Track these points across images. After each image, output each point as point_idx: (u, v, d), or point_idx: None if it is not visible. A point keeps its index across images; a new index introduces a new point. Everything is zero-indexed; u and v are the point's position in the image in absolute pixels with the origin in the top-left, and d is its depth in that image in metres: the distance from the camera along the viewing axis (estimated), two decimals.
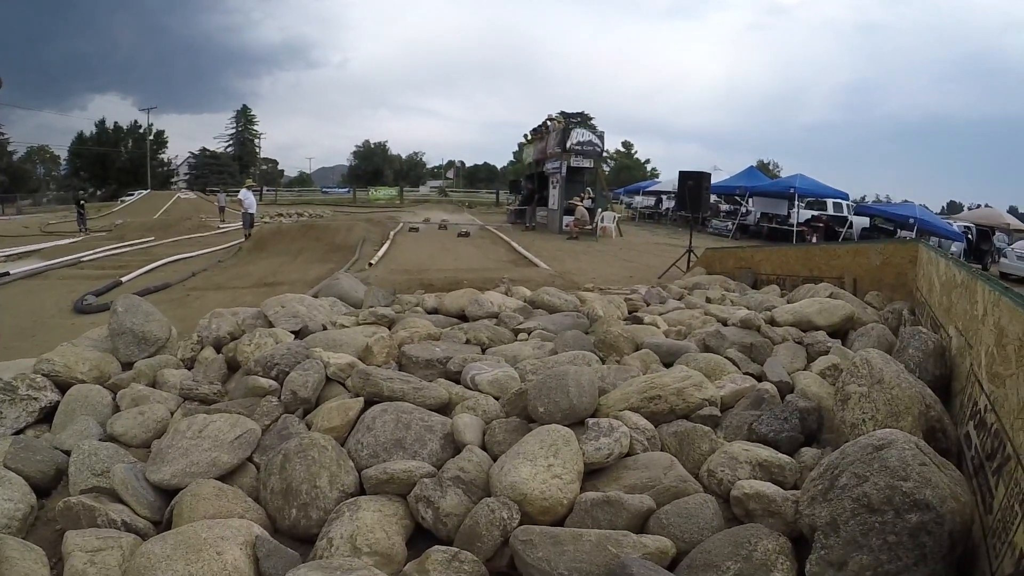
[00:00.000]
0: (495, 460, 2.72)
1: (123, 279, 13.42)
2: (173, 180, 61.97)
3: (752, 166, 30.62)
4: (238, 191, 27.12)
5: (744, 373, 3.88)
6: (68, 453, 3.33)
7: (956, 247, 19.59)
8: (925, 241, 6.35)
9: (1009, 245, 20.75)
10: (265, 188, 47.50)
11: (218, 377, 4.52)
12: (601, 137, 23.45)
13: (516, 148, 52.60)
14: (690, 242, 12.66)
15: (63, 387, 4.15)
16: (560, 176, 22.75)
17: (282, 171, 71.69)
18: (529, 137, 28.57)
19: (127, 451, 3.41)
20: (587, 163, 22.94)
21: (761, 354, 4.27)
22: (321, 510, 2.51)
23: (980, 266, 20.80)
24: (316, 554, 2.28)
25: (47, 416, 4.01)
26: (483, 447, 2.92)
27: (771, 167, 56.61)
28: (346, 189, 51.67)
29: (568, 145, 22.35)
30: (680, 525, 2.29)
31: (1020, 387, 2.22)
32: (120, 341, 4.88)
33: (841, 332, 4.93)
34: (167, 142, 64.79)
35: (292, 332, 5.05)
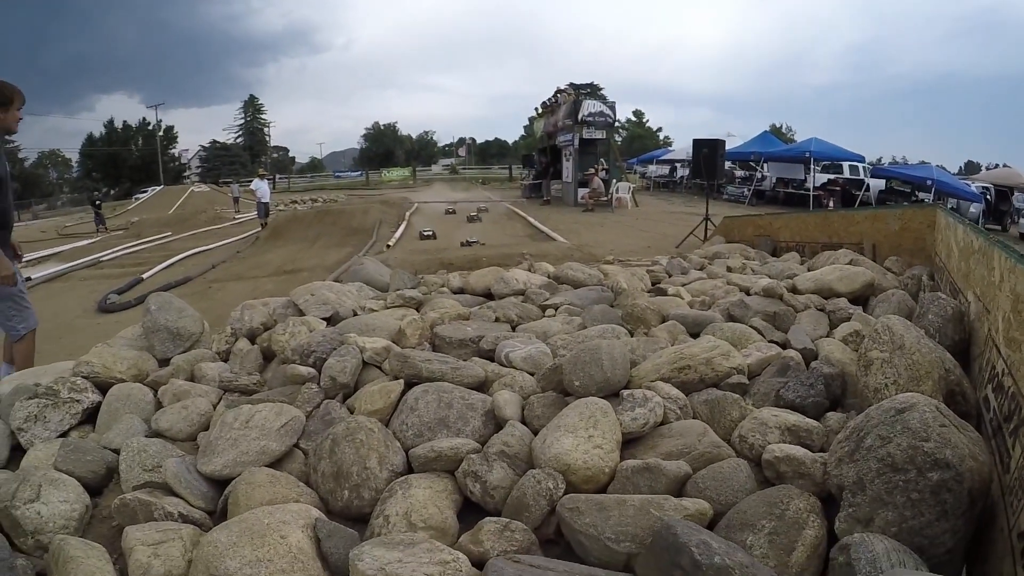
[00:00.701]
0: (535, 434, 2.84)
1: (144, 276, 13.60)
2: (185, 174, 62.40)
3: (766, 131, 30.37)
4: (251, 181, 27.30)
5: (769, 341, 3.95)
6: (116, 452, 3.41)
7: (975, 208, 19.36)
8: (943, 205, 6.35)
9: None
10: (277, 176, 47.68)
11: (255, 368, 4.64)
12: (612, 107, 23.30)
13: (527, 122, 52.33)
14: (707, 210, 12.65)
15: (103, 387, 4.21)
16: (573, 148, 22.71)
17: (293, 158, 71.90)
18: (540, 111, 28.39)
19: (174, 445, 3.49)
20: (599, 134, 22.88)
21: (785, 322, 4.33)
22: (373, 490, 2.64)
23: (999, 227, 20.52)
24: (373, 532, 2.41)
25: (89, 417, 4.06)
26: (523, 422, 3.03)
27: (784, 131, 55.71)
28: (358, 172, 51.77)
29: (580, 117, 22.29)
30: (716, 488, 2.39)
31: None
32: (155, 338, 4.97)
33: (862, 299, 4.98)
34: (177, 137, 65.32)
35: (323, 319, 5.17)
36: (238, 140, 65.99)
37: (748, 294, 5.01)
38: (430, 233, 15.45)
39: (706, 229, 12.02)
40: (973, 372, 3.34)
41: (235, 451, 3.04)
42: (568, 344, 3.89)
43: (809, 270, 5.86)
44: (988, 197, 21.25)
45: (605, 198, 20.94)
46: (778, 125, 58.38)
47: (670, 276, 6.60)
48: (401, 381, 3.41)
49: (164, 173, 56.52)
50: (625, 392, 2.94)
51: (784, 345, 3.92)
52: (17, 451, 3.69)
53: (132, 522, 2.65)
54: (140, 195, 45.42)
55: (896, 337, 2.98)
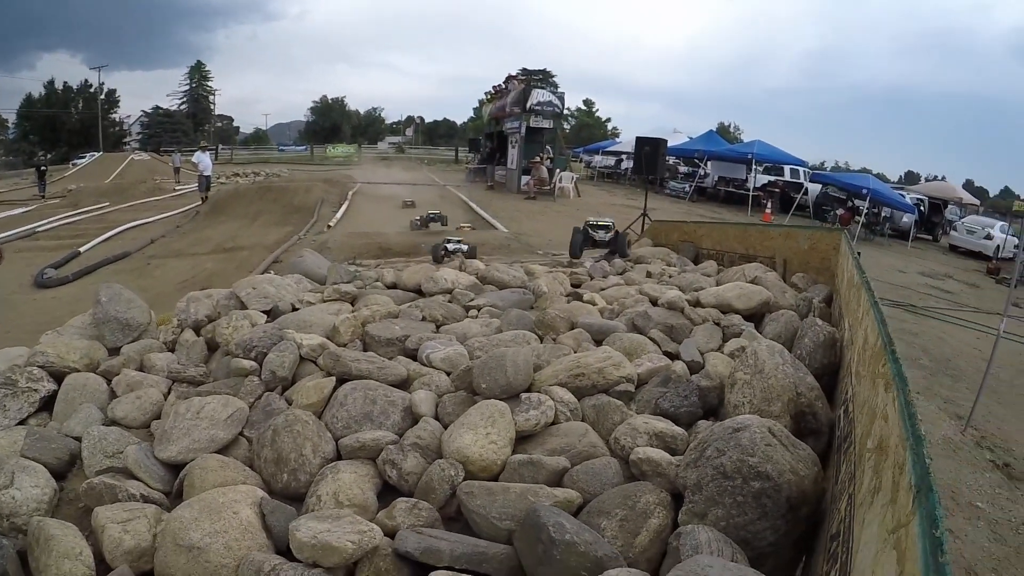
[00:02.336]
0: (446, 428, 3.37)
1: (81, 249, 13.32)
2: (126, 141, 59.74)
3: (712, 130, 31.12)
4: (193, 151, 26.72)
5: (664, 352, 4.53)
6: (77, 439, 3.74)
7: (907, 219, 20.20)
8: (846, 234, 7.06)
9: (960, 219, 21.79)
10: (220, 147, 46.39)
11: (200, 358, 4.99)
12: (561, 98, 23.75)
13: (476, 104, 52.44)
14: (645, 205, 13.24)
15: (57, 376, 4.42)
16: (519, 136, 22.98)
17: (237, 128, 69.65)
18: (490, 95, 28.62)
19: (130, 433, 3.83)
20: (547, 123, 23.24)
21: (680, 335, 4.90)
22: (308, 474, 3.11)
23: (931, 237, 21.86)
24: (308, 508, 2.89)
25: (45, 405, 4.28)
26: (436, 417, 3.55)
27: (732, 130, 57.29)
28: (303, 147, 50.85)
29: (528, 105, 22.58)
30: (587, 481, 2.95)
31: (867, 388, 2.84)
32: (106, 328, 5.19)
33: (758, 315, 5.52)
34: (119, 101, 62.27)
35: (264, 312, 5.56)
36: (182, 107, 63.64)
37: (655, 304, 5.59)
38: (411, 202, 15.38)
39: (643, 224, 12.65)
40: (837, 393, 3.88)
41: (188, 439, 3.47)
42: (484, 347, 4.41)
43: (718, 284, 6.44)
44: (922, 208, 22.09)
45: (548, 187, 21.44)
46: (727, 124, 60.08)
47: (591, 279, 7.19)
48: (333, 378, 3.87)
49: (104, 139, 54.04)
50: (524, 395, 3.50)
51: (675, 356, 4.50)
52: None
53: (99, 503, 3.03)
54: (78, 161, 43.50)
55: (759, 362, 3.55)
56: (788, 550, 2.59)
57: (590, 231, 9.50)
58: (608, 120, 61.55)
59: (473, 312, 5.55)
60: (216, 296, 5.87)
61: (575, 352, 4.29)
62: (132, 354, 4.94)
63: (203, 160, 20.36)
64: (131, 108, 65.20)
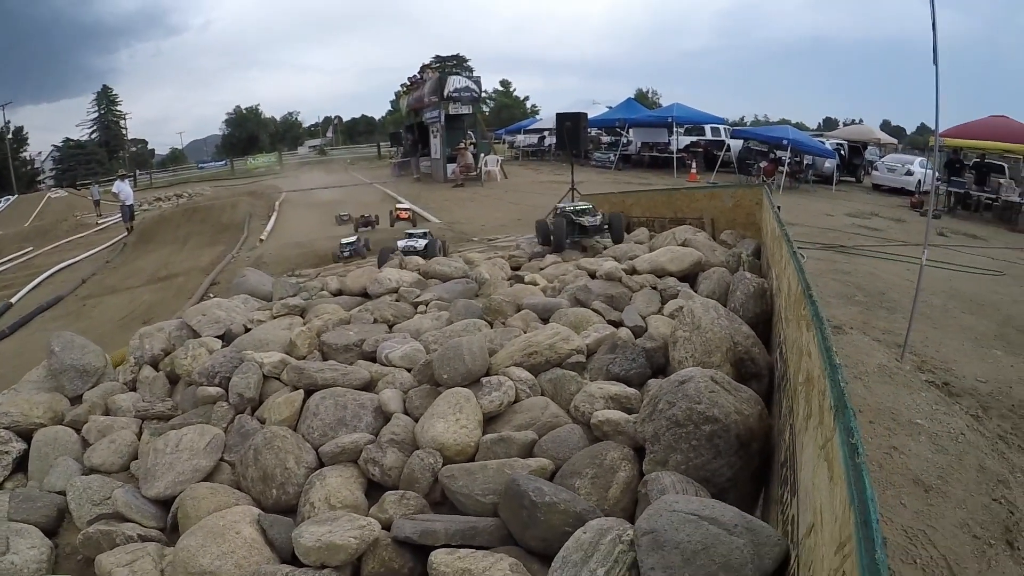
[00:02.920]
0: (416, 421, 3.60)
1: (12, 300, 12.85)
2: (40, 179, 56.46)
3: (630, 98, 31.54)
4: (111, 182, 25.68)
5: (607, 321, 4.85)
6: (60, 493, 3.77)
7: (829, 163, 20.82)
8: (767, 189, 7.45)
9: (880, 159, 22.76)
10: (138, 172, 44.59)
11: (164, 393, 5.03)
12: (478, 82, 23.86)
13: (393, 97, 51.83)
14: (572, 179, 13.60)
15: (24, 435, 4.38)
16: (440, 125, 22.98)
17: (153, 150, 66.70)
18: (406, 87, 28.45)
19: (110, 478, 3.88)
20: (466, 109, 23.27)
21: (621, 303, 5.23)
22: (295, 485, 3.30)
23: (854, 179, 22.76)
24: (303, 516, 3.08)
25: (18, 466, 4.24)
26: (406, 412, 3.77)
27: (650, 95, 58.18)
28: (223, 162, 49.37)
29: (445, 93, 22.58)
30: (555, 449, 3.24)
31: (794, 330, 3.17)
32: (64, 378, 5.13)
33: (691, 276, 5.89)
34: (27, 138, 58.74)
35: (218, 337, 5.62)
36: (93, 136, 60.55)
37: (593, 277, 5.92)
38: (346, 216, 14.79)
39: (572, 197, 12.99)
40: (772, 338, 4.24)
41: (172, 473, 3.59)
42: (438, 339, 4.63)
43: (651, 250, 6.77)
44: (842, 152, 22.73)
45: (475, 172, 21.56)
46: (644, 91, 60.89)
47: (530, 260, 7.46)
48: (301, 391, 4.04)
49: (16, 180, 50.87)
50: (484, 379, 3.76)
51: (619, 324, 4.82)
52: None
53: (98, 552, 3.11)
54: None
55: (696, 319, 3.90)
56: (746, 484, 2.90)
57: (574, 218, 8.06)
58: (527, 98, 61.78)
59: (422, 308, 5.75)
60: (167, 328, 5.87)
61: (525, 332, 4.56)
62: (96, 400, 4.92)
63: (123, 189, 19.55)
64: (41, 144, 61.62)
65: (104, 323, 10.34)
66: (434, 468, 3.17)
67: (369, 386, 4.15)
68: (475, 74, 24.08)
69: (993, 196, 15.80)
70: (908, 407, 5.13)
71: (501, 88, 59.38)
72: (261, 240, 14.42)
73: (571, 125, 13.64)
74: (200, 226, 17.84)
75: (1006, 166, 16.39)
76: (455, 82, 23.07)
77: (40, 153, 59.07)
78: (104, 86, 63.76)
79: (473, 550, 2.53)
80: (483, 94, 28.77)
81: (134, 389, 5.21)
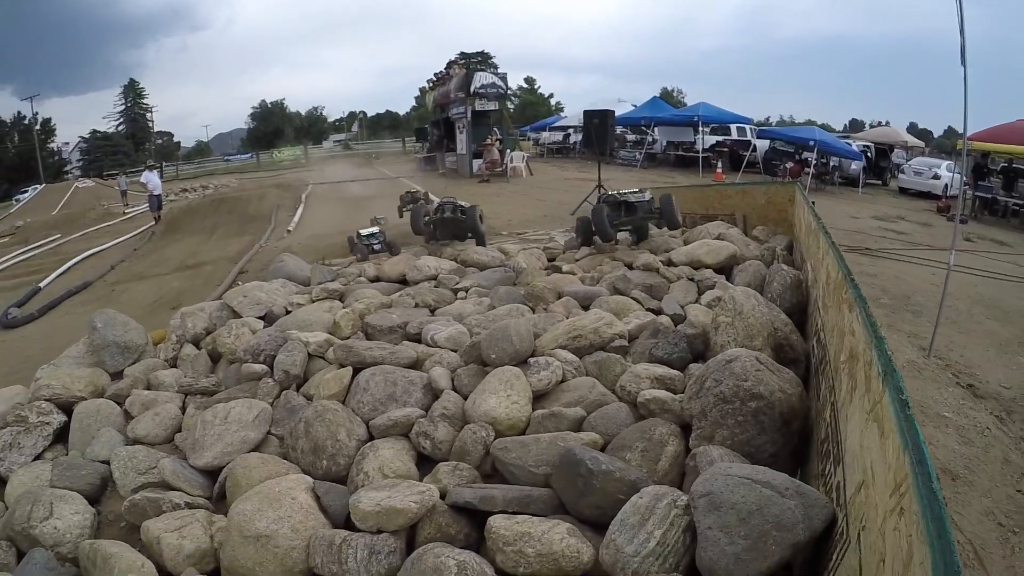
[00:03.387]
0: (464, 399, 3.67)
1: (41, 285, 13.06)
2: (67, 169, 57.40)
3: (656, 96, 31.34)
4: (138, 172, 26.05)
5: (647, 309, 4.91)
6: (105, 463, 3.85)
7: (855, 166, 20.42)
8: (799, 185, 7.45)
9: (907, 162, 22.45)
10: (164, 163, 45.26)
11: (206, 369, 5.15)
12: (504, 78, 23.82)
13: (417, 93, 51.95)
14: (599, 177, 13.50)
15: (65, 408, 4.47)
16: (466, 120, 22.93)
17: (179, 143, 67.47)
18: (431, 83, 28.55)
19: (155, 449, 3.97)
20: (492, 105, 23.24)
21: (659, 292, 5.29)
22: (346, 456, 3.37)
23: (880, 182, 22.48)
24: (356, 486, 3.13)
25: (58, 437, 4.32)
26: (453, 390, 3.84)
27: (675, 94, 57.87)
28: (249, 154, 49.88)
29: (472, 89, 22.56)
30: (604, 425, 3.30)
31: (834, 315, 3.24)
32: (105, 354, 5.26)
33: (727, 268, 5.93)
34: (55, 130, 59.59)
35: (259, 318, 5.72)
36: (119, 128, 61.42)
37: (631, 268, 5.95)
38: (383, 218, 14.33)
39: (599, 196, 12.95)
40: (808, 326, 4.34)
41: (221, 444, 3.68)
42: (481, 323, 4.71)
43: (686, 243, 6.79)
44: (868, 155, 22.24)
45: (500, 168, 21.58)
46: (669, 89, 60.62)
47: (564, 252, 7.50)
48: (349, 368, 4.11)
49: (44, 170, 51.69)
50: (532, 359, 3.82)
51: (658, 312, 4.88)
52: None
53: (143, 519, 3.18)
54: (20, 196, 41.83)
55: (738, 305, 3.97)
56: (786, 461, 2.95)
57: (619, 197, 7.38)
58: (551, 96, 61.73)
59: (462, 294, 5.82)
60: (208, 308, 5.99)
61: (567, 318, 4.60)
62: (138, 375, 5.06)
63: (152, 179, 19.81)
64: (68, 135, 62.08)
65: (133, 308, 10.46)
66: (486, 441, 3.23)
67: (414, 365, 4.22)
68: (500, 71, 23.92)
69: (1021, 202, 15.52)
70: (936, 401, 5.15)
71: (526, 86, 59.46)
72: (289, 231, 14.51)
73: (599, 122, 13.49)
74: (227, 216, 17.98)
75: None
76: (482, 78, 23.07)
77: (67, 144, 60.09)
78: (131, 79, 64.60)
79: (529, 516, 2.57)
80: (508, 91, 28.78)
81: (175, 366, 5.34)
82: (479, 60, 28.14)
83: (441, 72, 26.59)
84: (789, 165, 19.78)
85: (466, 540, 2.67)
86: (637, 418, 3.39)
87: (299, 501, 2.87)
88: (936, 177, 18.97)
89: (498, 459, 3.11)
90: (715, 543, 2.08)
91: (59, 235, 20.48)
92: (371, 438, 3.52)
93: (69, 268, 15.14)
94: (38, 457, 4.12)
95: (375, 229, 8.88)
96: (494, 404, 3.38)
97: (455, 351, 4.30)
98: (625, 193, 7.42)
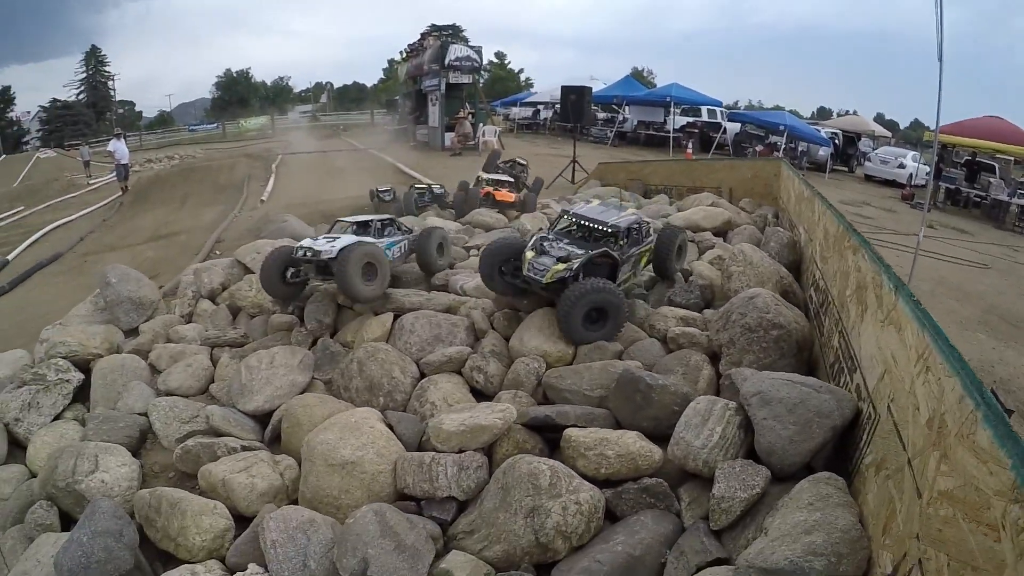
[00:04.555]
0: (506, 339, 3.97)
1: (9, 257, 12.70)
2: (26, 140, 54.97)
3: (628, 75, 31.42)
4: (101, 142, 25.19)
5: None
6: (142, 415, 3.79)
7: (823, 152, 20.78)
8: (787, 160, 7.83)
9: (873, 150, 23.09)
10: (127, 134, 43.78)
11: (227, 323, 5.22)
12: (479, 52, 23.46)
13: (386, 65, 51.10)
14: (574, 152, 13.67)
15: (81, 365, 4.34)
16: (439, 93, 22.60)
17: (140, 112, 65.01)
18: (404, 54, 28.15)
19: (191, 399, 3.97)
20: (466, 79, 22.88)
21: None
22: (403, 393, 3.61)
23: (847, 168, 23.09)
24: (422, 416, 3.36)
25: (76, 395, 4.15)
26: (493, 329, 4.13)
27: (646, 74, 58.04)
28: (214, 124, 48.47)
29: (446, 62, 22.27)
30: (641, 356, 3.64)
31: (837, 262, 3.62)
32: (119, 310, 5.17)
33: (722, 232, 6.39)
34: (14, 99, 56.97)
35: None
36: (80, 97, 58.86)
37: None
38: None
39: (574, 170, 13.13)
40: (802, 280, 4.76)
41: (270, 388, 3.82)
42: None
43: (679, 211, 7.16)
44: (836, 142, 22.61)
45: (472, 142, 21.48)
46: (640, 69, 60.75)
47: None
48: (390, 313, 4.32)
49: (3, 140, 49.56)
50: None
51: None
52: (12, 446, 3.76)
53: (197, 466, 3.17)
54: None
55: (747, 256, 4.38)
56: None
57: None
58: (521, 71, 61.27)
59: (474, 251, 6.02)
60: (219, 265, 6.03)
61: None
62: (158, 330, 5.02)
63: (119, 148, 19.11)
64: (28, 104, 59.03)
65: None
66: (538, 372, 3.52)
67: (450, 310, 4.44)
68: (475, 44, 23.76)
69: (983, 194, 16.26)
70: None
71: (496, 60, 58.97)
72: (262, 201, 14.32)
73: (576, 98, 13.63)
74: (198, 186, 17.61)
75: (997, 166, 16.81)
76: (456, 51, 22.81)
77: (28, 113, 57.46)
78: (93, 46, 61.75)
79: (598, 428, 2.84)
80: (482, 64, 28.59)
81: (190, 321, 5.34)
82: (450, 32, 27.58)
83: (415, 43, 26.17)
84: (759, 148, 20.19)
85: (540, 454, 2.92)
86: (666, 351, 3.73)
87: (377, 429, 3.05)
88: (902, 167, 19.54)
89: (552, 387, 3.40)
90: (771, 430, 2.46)
91: (22, 207, 19.81)
92: (422, 375, 3.74)
93: (36, 240, 14.71)
94: (57, 417, 3.95)
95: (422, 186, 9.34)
96: (541, 340, 3.68)
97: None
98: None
